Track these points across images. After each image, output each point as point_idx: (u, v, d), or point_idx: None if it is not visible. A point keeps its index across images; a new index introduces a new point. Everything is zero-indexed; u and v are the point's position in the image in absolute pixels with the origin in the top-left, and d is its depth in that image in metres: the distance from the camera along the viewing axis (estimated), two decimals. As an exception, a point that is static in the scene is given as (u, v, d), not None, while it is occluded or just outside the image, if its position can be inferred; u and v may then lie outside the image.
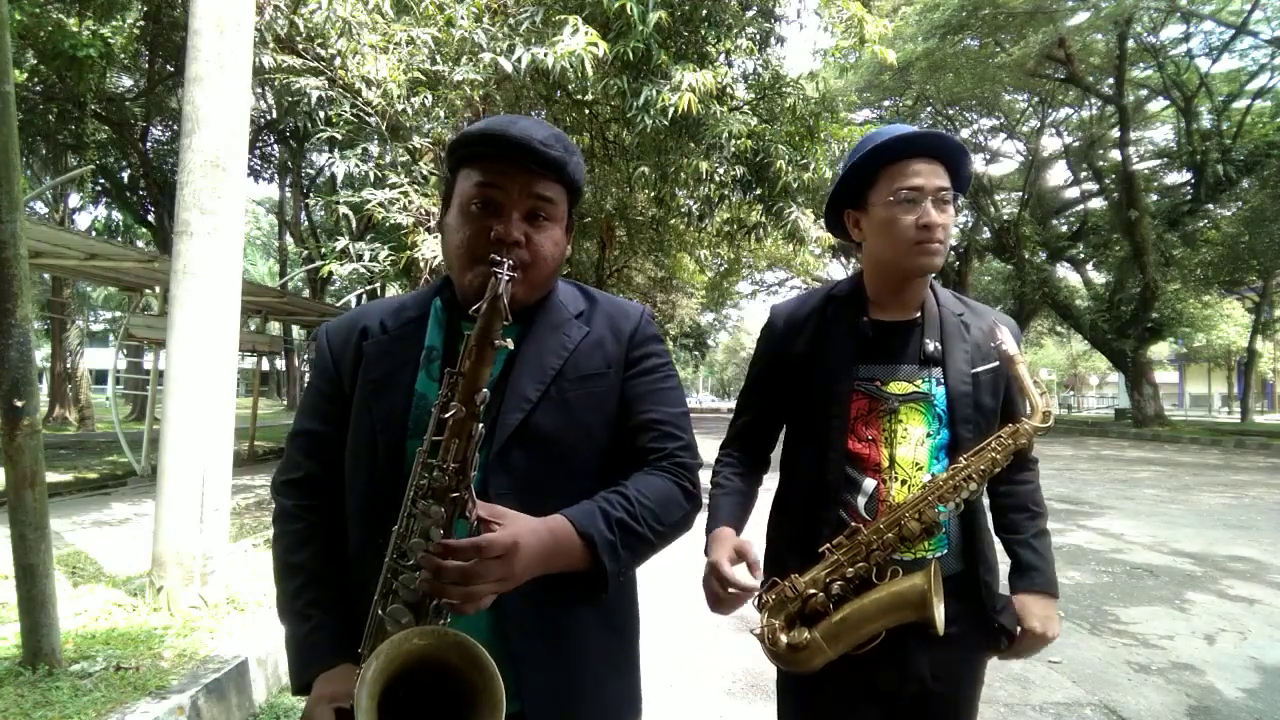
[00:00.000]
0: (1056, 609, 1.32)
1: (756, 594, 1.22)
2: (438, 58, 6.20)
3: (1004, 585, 1.35)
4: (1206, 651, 3.68)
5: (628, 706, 1.12)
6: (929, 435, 1.27)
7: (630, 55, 6.07)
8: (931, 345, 1.30)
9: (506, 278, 0.84)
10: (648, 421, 1.08)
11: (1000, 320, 1.33)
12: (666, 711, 2.99)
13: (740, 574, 1.16)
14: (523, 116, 1.04)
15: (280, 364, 32.06)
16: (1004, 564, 1.36)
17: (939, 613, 1.13)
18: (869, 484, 1.25)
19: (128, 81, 15.71)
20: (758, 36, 7.59)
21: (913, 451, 1.26)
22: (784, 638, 1.19)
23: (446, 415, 0.84)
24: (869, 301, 1.35)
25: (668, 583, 4.94)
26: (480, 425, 0.85)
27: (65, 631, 2.98)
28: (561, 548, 0.92)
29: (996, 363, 1.30)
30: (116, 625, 3.30)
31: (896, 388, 1.28)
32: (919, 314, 1.33)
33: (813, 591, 1.19)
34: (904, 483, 1.25)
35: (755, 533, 1.29)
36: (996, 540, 1.37)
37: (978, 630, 1.29)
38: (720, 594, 1.17)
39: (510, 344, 0.86)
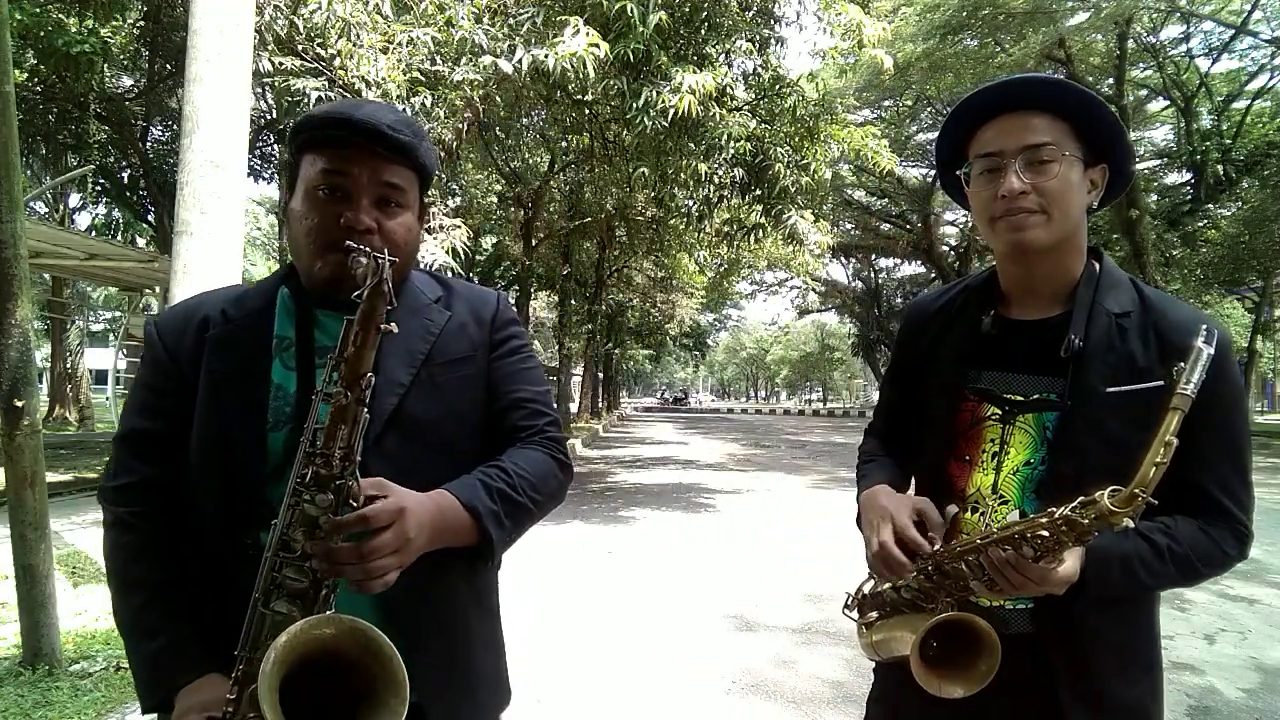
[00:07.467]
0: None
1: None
2: (438, 58, 6.20)
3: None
4: (1206, 651, 3.68)
5: (499, 686, 1.14)
6: (1027, 464, 1.04)
7: (630, 56, 6.07)
8: (1067, 350, 1.02)
9: (389, 261, 0.81)
10: (516, 400, 1.10)
11: (1207, 332, 0.85)
12: (667, 711, 2.99)
13: (915, 534, 1.01)
14: (369, 101, 1.00)
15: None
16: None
17: (917, 669, 0.97)
18: (950, 510, 1.04)
19: (128, 81, 15.69)
20: (757, 39, 7.59)
21: (1001, 480, 1.05)
22: (862, 619, 1.16)
23: (331, 402, 0.83)
24: (1002, 294, 1.12)
25: (667, 583, 4.93)
26: (365, 410, 0.84)
27: (65, 631, 2.98)
28: (448, 521, 0.93)
29: (1159, 382, 0.95)
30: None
31: (1012, 400, 1.07)
32: (1061, 311, 1.06)
33: (881, 591, 1.12)
34: (981, 515, 1.06)
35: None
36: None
37: (1025, 714, 1.03)
38: (893, 557, 1.00)
39: (395, 328, 0.85)
